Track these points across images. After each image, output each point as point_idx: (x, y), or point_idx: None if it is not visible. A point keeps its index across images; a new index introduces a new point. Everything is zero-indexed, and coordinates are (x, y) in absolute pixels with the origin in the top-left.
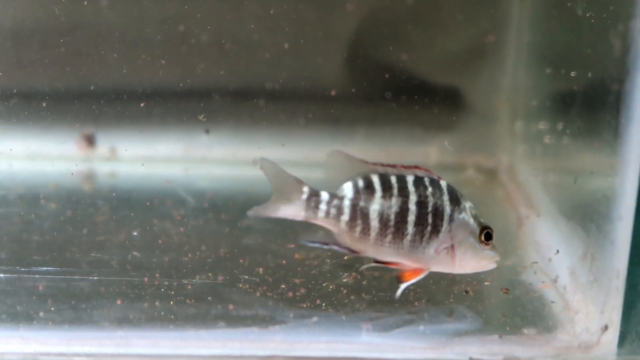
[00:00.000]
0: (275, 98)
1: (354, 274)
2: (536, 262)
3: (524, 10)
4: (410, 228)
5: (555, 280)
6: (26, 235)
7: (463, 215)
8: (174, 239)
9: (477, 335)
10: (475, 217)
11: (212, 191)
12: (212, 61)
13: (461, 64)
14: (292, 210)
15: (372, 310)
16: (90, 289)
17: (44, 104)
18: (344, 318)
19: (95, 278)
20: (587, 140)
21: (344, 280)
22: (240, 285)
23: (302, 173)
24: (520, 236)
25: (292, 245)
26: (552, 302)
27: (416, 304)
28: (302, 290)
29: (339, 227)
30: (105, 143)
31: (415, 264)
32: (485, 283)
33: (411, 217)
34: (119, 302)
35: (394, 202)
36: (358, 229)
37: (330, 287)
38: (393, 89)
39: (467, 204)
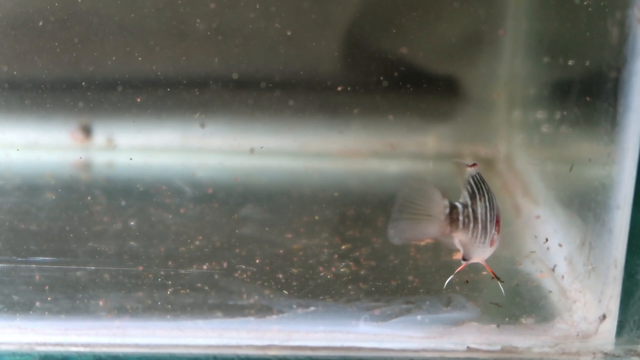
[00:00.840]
0: (272, 87)
1: (351, 263)
2: (534, 252)
3: None
4: (490, 224)
5: (553, 270)
6: (23, 225)
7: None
8: (171, 228)
9: (475, 324)
10: None
11: (210, 181)
12: (209, 50)
13: (458, 53)
14: (438, 227)
15: (369, 300)
16: (87, 279)
17: (40, 94)
18: (341, 307)
19: (92, 268)
20: (584, 129)
21: (342, 269)
22: (238, 275)
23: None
24: (518, 225)
25: (290, 235)
26: (550, 291)
27: (414, 293)
28: (300, 280)
29: (467, 237)
30: (102, 133)
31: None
32: (483, 273)
33: (492, 213)
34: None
35: (487, 201)
36: (476, 234)
37: (328, 276)
38: (390, 77)
39: None
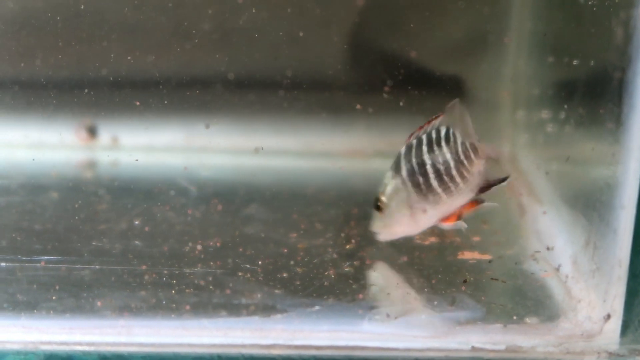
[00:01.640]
0: (276, 87)
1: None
2: (538, 252)
3: None
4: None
5: (557, 269)
6: (28, 224)
7: None
8: (176, 228)
9: (480, 324)
10: None
11: (214, 180)
12: (213, 50)
13: (463, 53)
14: None
15: (373, 299)
16: (91, 278)
17: (45, 93)
18: (345, 306)
19: (97, 267)
20: (589, 129)
21: (346, 269)
22: (242, 274)
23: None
24: (522, 225)
25: (294, 235)
26: (555, 291)
27: (419, 292)
28: (304, 279)
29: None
30: (106, 132)
31: None
32: (487, 272)
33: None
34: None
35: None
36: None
37: (332, 276)
38: (394, 77)
39: None
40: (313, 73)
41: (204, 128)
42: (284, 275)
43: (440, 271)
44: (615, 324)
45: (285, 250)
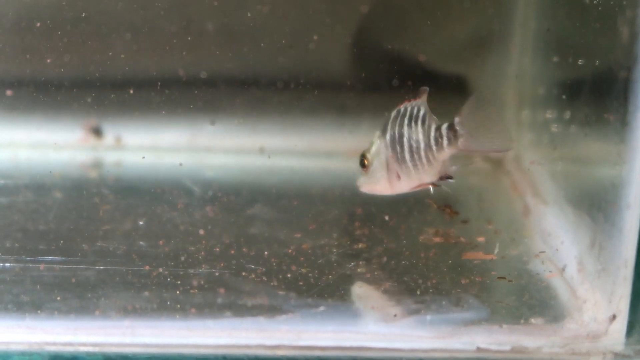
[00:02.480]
0: (281, 86)
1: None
2: (543, 252)
3: None
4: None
5: (562, 270)
6: (32, 224)
7: None
8: (180, 228)
9: (485, 324)
10: None
11: (218, 180)
12: (218, 49)
13: (467, 52)
14: None
15: (379, 300)
16: (96, 278)
17: (49, 93)
18: (350, 307)
19: (101, 267)
20: (594, 128)
21: (351, 269)
22: (247, 275)
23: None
24: (527, 225)
25: (299, 235)
26: (560, 291)
27: (424, 293)
28: (309, 280)
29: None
30: (110, 132)
31: None
32: (492, 272)
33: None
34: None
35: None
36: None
37: (337, 276)
38: (399, 76)
39: None
40: (318, 72)
41: (209, 125)
42: (289, 275)
43: (444, 271)
44: (620, 325)
45: (290, 251)
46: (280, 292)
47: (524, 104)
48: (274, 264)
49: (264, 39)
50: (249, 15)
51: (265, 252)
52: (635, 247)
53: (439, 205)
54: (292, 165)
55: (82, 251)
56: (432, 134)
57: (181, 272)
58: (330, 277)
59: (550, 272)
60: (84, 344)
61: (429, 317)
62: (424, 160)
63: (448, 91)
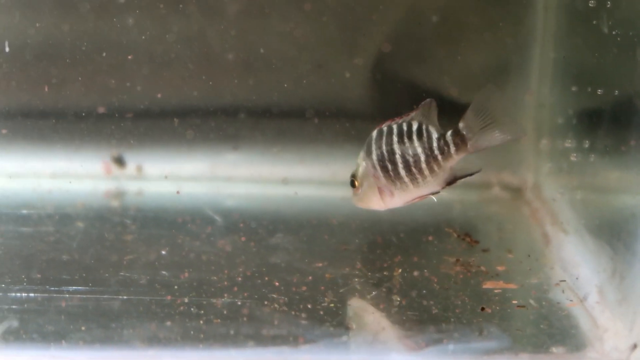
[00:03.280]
0: (301, 116)
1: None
2: (564, 281)
3: (549, 27)
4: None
5: (583, 299)
6: (55, 254)
7: None
8: (202, 257)
9: (507, 353)
10: None
11: (239, 210)
12: (238, 79)
13: (486, 81)
14: None
15: (401, 329)
16: (119, 308)
17: (71, 123)
18: (373, 337)
19: (125, 297)
20: (614, 158)
21: (373, 298)
22: (269, 304)
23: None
24: (547, 254)
25: (320, 264)
26: (581, 320)
27: (446, 322)
28: (331, 309)
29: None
30: (132, 161)
31: None
32: (513, 301)
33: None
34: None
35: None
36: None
37: (359, 305)
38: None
39: None
40: (338, 102)
41: (230, 154)
42: (310, 304)
43: (465, 300)
44: None
45: (311, 280)
46: (303, 322)
47: (543, 133)
48: (296, 293)
49: (285, 69)
50: (269, 44)
51: (287, 281)
52: None
53: (459, 234)
54: (313, 195)
55: (106, 281)
56: (435, 144)
57: (204, 302)
58: (352, 306)
59: (571, 300)
60: None
61: (451, 347)
62: (427, 172)
63: None
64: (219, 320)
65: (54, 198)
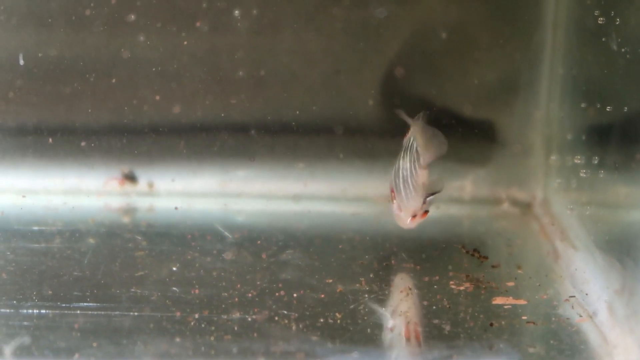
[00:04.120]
0: (312, 132)
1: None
2: (573, 296)
3: (558, 43)
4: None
5: (593, 315)
6: (66, 270)
7: None
8: (213, 274)
9: None
10: None
11: (250, 226)
12: (248, 96)
13: (495, 98)
14: None
15: (411, 345)
16: (131, 325)
17: (82, 140)
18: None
19: (136, 313)
20: (623, 174)
21: (382, 314)
22: (279, 320)
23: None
24: (556, 269)
25: (330, 280)
26: (590, 336)
27: (455, 339)
28: (341, 325)
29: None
30: (143, 178)
31: None
32: (523, 317)
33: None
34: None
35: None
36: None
37: (369, 321)
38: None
39: None
40: (348, 119)
41: (241, 171)
42: (321, 321)
43: (475, 316)
44: None
45: (322, 296)
46: (314, 338)
47: (552, 149)
48: (307, 310)
49: (294, 86)
50: (279, 61)
51: (297, 298)
52: None
53: (468, 250)
54: (324, 211)
55: (117, 297)
56: (412, 159)
57: (215, 318)
58: (362, 322)
59: (581, 316)
60: None
61: None
62: (411, 187)
63: (477, 137)
64: (229, 337)
65: (65, 214)
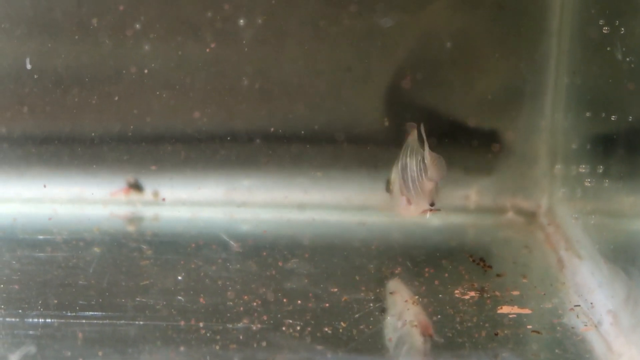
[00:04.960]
0: (315, 141)
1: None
2: (578, 305)
3: (563, 53)
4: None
5: (598, 324)
6: (71, 279)
7: None
8: (218, 283)
9: None
10: None
11: (255, 235)
12: (253, 105)
13: (500, 107)
14: None
15: (416, 354)
16: (136, 333)
17: (87, 149)
18: None
19: (141, 322)
20: (628, 183)
21: (388, 323)
22: (285, 329)
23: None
24: (561, 279)
25: (335, 289)
26: (595, 345)
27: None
28: (346, 334)
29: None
30: (148, 187)
31: None
32: (528, 326)
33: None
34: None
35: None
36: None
37: (374, 330)
38: (432, 131)
39: None
40: (353, 128)
41: (246, 181)
42: (326, 329)
43: (480, 325)
44: None
45: (327, 305)
46: (319, 347)
47: (557, 159)
48: (312, 318)
49: (300, 95)
50: (284, 71)
51: (303, 307)
52: None
53: (474, 259)
54: (329, 220)
55: (122, 306)
56: (418, 165)
57: (220, 327)
58: (367, 331)
59: (586, 325)
60: None
61: None
62: (419, 188)
63: (482, 146)
64: (234, 346)
65: (70, 223)
